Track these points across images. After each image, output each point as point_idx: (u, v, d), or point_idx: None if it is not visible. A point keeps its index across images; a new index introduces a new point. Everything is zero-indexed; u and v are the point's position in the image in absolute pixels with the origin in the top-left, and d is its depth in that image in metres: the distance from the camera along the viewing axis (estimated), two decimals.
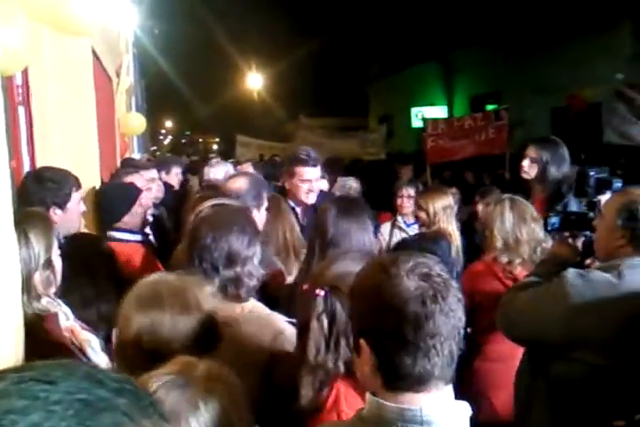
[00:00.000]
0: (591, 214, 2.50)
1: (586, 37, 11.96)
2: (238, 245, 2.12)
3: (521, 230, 3.16)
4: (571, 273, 2.13)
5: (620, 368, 1.97)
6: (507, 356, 2.80)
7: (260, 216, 3.06)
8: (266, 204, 3.14)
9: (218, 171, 4.68)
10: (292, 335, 1.93)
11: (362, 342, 1.26)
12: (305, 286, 1.82)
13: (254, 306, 2.18)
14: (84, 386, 0.62)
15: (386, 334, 1.22)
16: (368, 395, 1.27)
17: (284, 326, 2.11)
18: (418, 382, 1.20)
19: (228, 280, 2.10)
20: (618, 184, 2.57)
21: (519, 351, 2.39)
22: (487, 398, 3.05)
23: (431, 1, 15.91)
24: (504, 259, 3.18)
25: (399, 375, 1.22)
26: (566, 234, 2.52)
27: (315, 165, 3.59)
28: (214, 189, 3.96)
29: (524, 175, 3.89)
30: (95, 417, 0.60)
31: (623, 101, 8.20)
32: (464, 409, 1.24)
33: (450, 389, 1.24)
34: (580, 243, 2.49)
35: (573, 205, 3.51)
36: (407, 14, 17.10)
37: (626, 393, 1.96)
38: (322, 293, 1.64)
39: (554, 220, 2.55)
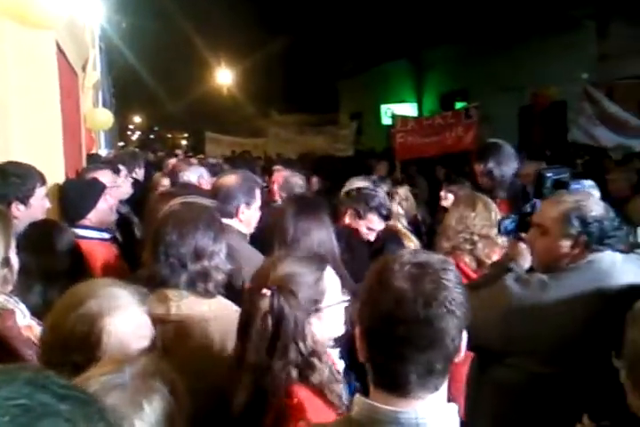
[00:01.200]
0: None
1: (551, 36, 12.18)
2: (205, 241, 2.11)
3: (471, 220, 3.13)
4: (509, 277, 2.09)
5: (557, 375, 1.93)
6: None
7: (250, 213, 2.96)
8: (259, 201, 3.02)
9: (192, 174, 4.74)
10: None
11: (357, 329, 1.21)
12: (248, 285, 1.76)
13: (221, 303, 2.17)
14: (25, 391, 0.60)
15: (366, 327, 1.18)
16: (357, 396, 1.21)
17: None
18: (398, 387, 1.14)
19: (196, 274, 2.08)
20: (576, 186, 2.49)
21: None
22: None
23: None
24: (452, 249, 3.13)
25: (380, 375, 1.17)
26: (519, 236, 2.46)
27: (387, 219, 3.43)
28: (185, 187, 3.94)
29: (485, 185, 3.96)
30: (34, 423, 0.58)
31: (590, 102, 8.34)
32: (454, 411, 1.20)
33: (440, 394, 1.18)
34: None
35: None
36: (379, 12, 17.12)
37: (563, 400, 1.91)
38: (268, 292, 1.56)
39: (507, 222, 2.50)
